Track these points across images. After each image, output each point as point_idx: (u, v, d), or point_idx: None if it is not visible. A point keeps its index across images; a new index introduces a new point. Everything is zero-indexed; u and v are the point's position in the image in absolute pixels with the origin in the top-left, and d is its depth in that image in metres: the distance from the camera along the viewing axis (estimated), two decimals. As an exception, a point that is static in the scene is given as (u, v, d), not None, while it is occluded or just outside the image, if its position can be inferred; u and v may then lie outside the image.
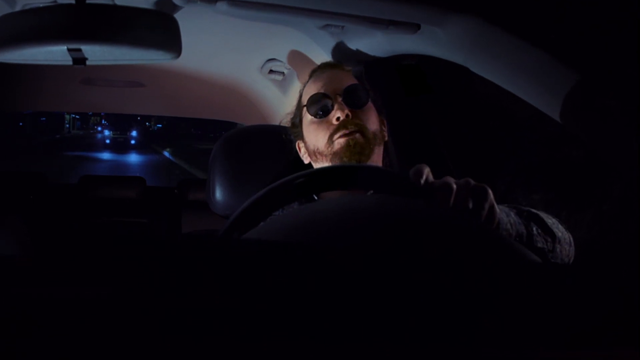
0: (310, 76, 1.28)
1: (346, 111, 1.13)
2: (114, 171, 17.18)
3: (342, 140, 1.11)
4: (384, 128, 1.23)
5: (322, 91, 1.17)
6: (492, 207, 0.80)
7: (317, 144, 1.16)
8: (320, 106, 1.16)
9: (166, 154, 21.24)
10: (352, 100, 1.15)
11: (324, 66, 1.28)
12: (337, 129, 1.13)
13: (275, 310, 0.31)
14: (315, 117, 1.17)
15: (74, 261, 0.36)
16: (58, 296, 0.31)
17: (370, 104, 1.19)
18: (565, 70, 0.91)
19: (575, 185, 1.27)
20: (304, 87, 1.27)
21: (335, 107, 1.14)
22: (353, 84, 1.18)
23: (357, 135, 1.12)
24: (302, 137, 1.24)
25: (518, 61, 1.00)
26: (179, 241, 0.37)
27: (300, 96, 1.26)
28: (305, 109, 1.20)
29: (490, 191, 0.81)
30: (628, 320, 0.35)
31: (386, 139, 1.24)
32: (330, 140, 1.13)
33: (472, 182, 0.81)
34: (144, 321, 0.29)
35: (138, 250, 0.36)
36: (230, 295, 0.32)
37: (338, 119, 1.13)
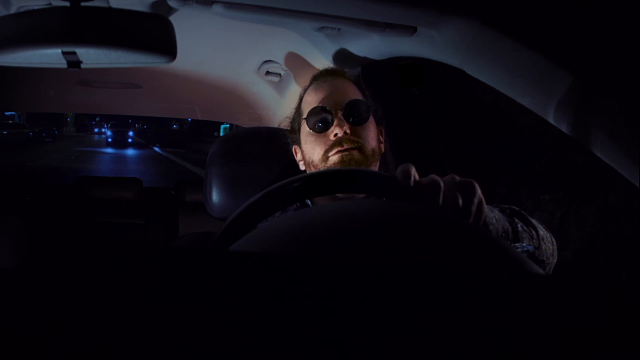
0: (311, 82, 1.24)
1: (345, 128, 1.10)
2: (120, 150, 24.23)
3: (336, 157, 1.10)
4: (381, 140, 1.21)
5: (322, 104, 1.14)
6: (480, 202, 0.80)
7: (313, 157, 1.14)
8: (319, 120, 1.13)
9: (156, 148, 27.77)
10: (353, 116, 1.12)
11: (326, 74, 1.23)
12: (333, 146, 1.11)
13: (269, 317, 0.31)
14: (313, 130, 1.14)
15: (66, 270, 0.35)
16: (49, 305, 0.31)
17: (370, 119, 1.16)
18: (561, 72, 0.91)
19: (575, 186, 1.27)
20: (304, 92, 1.24)
21: (335, 122, 1.11)
22: (354, 99, 1.15)
23: (355, 152, 1.09)
24: (299, 145, 1.22)
25: (514, 63, 1.00)
26: (171, 250, 0.37)
27: (300, 101, 1.24)
28: (304, 120, 1.17)
29: (477, 186, 0.80)
30: (628, 321, 0.35)
31: (383, 150, 1.22)
32: (326, 155, 1.11)
33: (458, 177, 0.80)
34: (136, 331, 0.29)
35: (130, 259, 0.36)
36: (223, 304, 0.31)
37: (336, 135, 1.11)
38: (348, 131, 1.10)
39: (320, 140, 1.13)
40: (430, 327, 0.33)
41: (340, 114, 1.12)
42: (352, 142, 1.10)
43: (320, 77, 1.23)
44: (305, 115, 1.17)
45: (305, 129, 1.17)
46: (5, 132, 20.81)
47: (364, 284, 0.37)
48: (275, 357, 0.28)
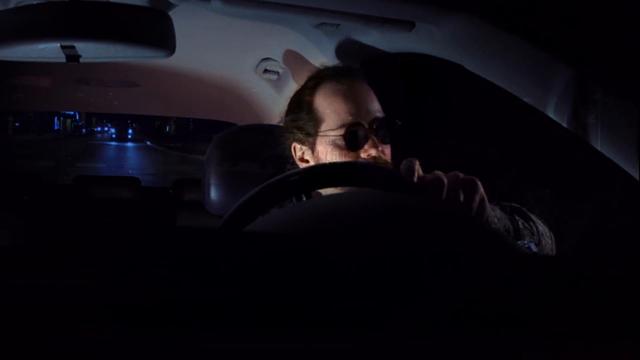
0: (325, 80, 1.13)
1: (380, 148, 1.06)
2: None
3: None
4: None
5: (353, 118, 1.07)
6: (482, 199, 0.80)
7: None
8: (351, 135, 1.06)
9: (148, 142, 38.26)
10: (382, 135, 1.08)
11: (344, 73, 1.13)
12: None
13: (272, 302, 0.31)
14: (345, 145, 1.07)
15: (71, 251, 0.35)
16: (54, 286, 0.30)
17: None
18: (560, 67, 0.92)
19: (575, 181, 1.27)
20: (317, 90, 1.13)
21: (370, 142, 1.06)
22: (384, 116, 1.09)
23: None
24: (312, 149, 1.13)
25: (514, 59, 1.00)
26: (176, 233, 0.37)
27: (312, 99, 1.13)
28: (329, 129, 1.09)
29: (479, 183, 0.80)
30: (628, 312, 0.35)
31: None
32: None
33: (461, 175, 0.80)
34: (141, 313, 0.29)
35: (136, 242, 0.36)
36: (225, 288, 0.31)
37: (369, 155, 1.06)
38: (381, 153, 1.07)
39: (349, 156, 1.07)
40: (430, 312, 0.33)
41: (373, 132, 1.07)
42: (383, 162, 1.06)
43: (341, 77, 1.13)
44: (327, 121, 1.10)
45: (329, 137, 1.09)
46: (89, 128, 44.98)
47: (368, 270, 0.37)
48: (276, 339, 0.28)
